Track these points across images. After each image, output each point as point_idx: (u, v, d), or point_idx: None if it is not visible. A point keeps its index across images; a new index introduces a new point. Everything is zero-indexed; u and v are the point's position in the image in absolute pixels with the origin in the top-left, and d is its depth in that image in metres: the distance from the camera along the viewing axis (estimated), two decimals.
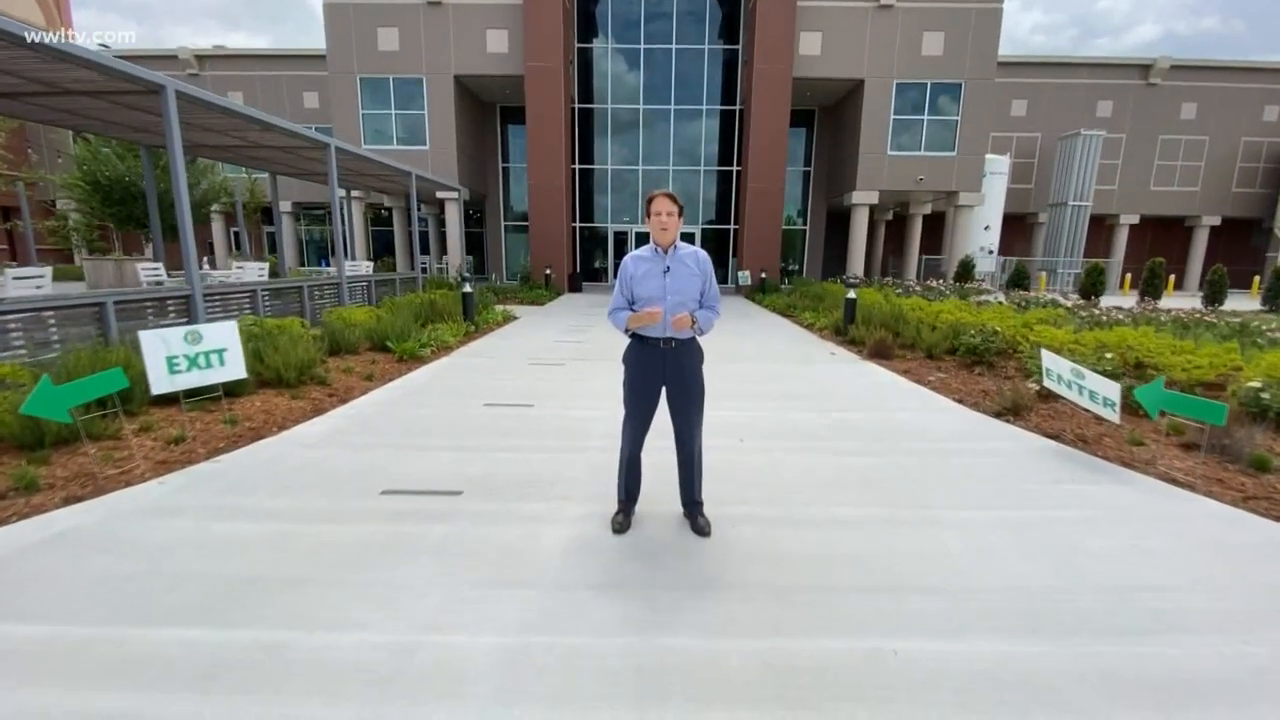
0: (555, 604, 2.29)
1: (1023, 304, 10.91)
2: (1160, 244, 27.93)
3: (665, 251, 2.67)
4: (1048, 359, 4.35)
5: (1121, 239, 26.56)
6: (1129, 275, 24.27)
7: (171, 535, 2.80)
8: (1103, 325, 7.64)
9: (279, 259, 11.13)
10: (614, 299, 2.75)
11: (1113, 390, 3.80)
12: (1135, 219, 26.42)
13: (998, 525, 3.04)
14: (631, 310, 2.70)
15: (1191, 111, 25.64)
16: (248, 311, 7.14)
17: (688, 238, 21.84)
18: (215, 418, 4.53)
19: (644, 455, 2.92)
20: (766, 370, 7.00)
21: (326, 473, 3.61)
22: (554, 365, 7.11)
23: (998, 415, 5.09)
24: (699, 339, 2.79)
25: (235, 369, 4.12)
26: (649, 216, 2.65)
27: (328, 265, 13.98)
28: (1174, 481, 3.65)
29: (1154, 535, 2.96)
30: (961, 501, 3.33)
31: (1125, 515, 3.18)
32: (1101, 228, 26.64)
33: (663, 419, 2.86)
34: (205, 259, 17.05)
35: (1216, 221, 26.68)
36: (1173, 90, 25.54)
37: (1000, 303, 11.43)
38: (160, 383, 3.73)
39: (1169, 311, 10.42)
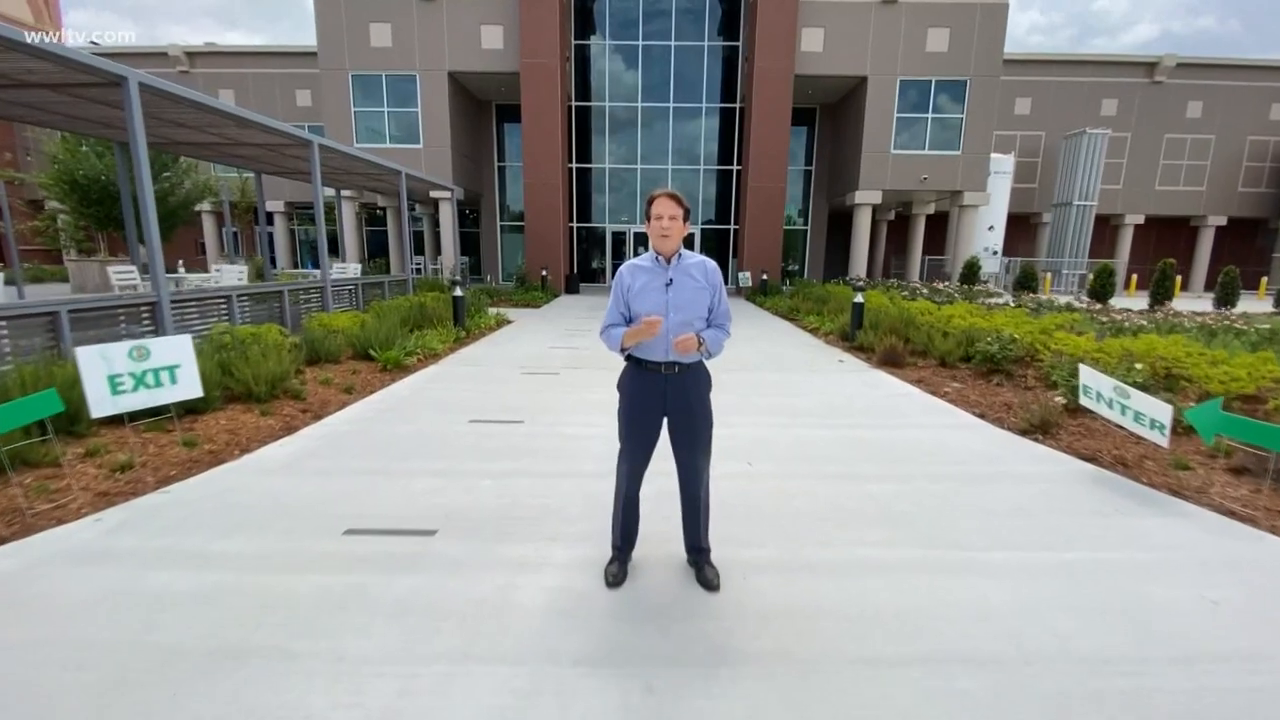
0: (534, 685, 1.91)
1: (1036, 308, 10.53)
2: (1165, 244, 27.60)
3: (667, 261, 2.28)
4: (1086, 375, 3.97)
5: (1126, 239, 26.22)
6: (1135, 276, 23.91)
7: (93, 589, 2.41)
8: (1125, 332, 7.26)
9: (264, 261, 10.73)
10: (608, 314, 2.36)
11: (1163, 413, 3.42)
12: (1140, 219, 26.09)
13: (1045, 570, 2.66)
14: (625, 326, 2.32)
15: (1197, 110, 25.30)
16: (223, 318, 6.74)
17: (688, 242, 21.43)
18: (173, 439, 4.13)
19: (642, 480, 2.53)
20: (771, 380, 6.62)
21: (287, 506, 3.22)
22: (547, 374, 6.72)
23: (1024, 433, 4.71)
24: (707, 363, 2.40)
25: (189, 387, 3.73)
26: (648, 220, 2.26)
27: (336, 264, 13.54)
28: (1232, 514, 3.27)
29: (1224, 584, 2.58)
30: (1000, 539, 2.95)
31: (1187, 557, 2.81)
32: (1105, 228, 26.30)
33: (664, 448, 2.48)
34: (181, 261, 16.54)
35: (1222, 221, 26.35)
36: (1178, 89, 25.20)
37: (1012, 306, 11.06)
38: (101, 404, 3.33)
39: (1192, 315, 10.06)
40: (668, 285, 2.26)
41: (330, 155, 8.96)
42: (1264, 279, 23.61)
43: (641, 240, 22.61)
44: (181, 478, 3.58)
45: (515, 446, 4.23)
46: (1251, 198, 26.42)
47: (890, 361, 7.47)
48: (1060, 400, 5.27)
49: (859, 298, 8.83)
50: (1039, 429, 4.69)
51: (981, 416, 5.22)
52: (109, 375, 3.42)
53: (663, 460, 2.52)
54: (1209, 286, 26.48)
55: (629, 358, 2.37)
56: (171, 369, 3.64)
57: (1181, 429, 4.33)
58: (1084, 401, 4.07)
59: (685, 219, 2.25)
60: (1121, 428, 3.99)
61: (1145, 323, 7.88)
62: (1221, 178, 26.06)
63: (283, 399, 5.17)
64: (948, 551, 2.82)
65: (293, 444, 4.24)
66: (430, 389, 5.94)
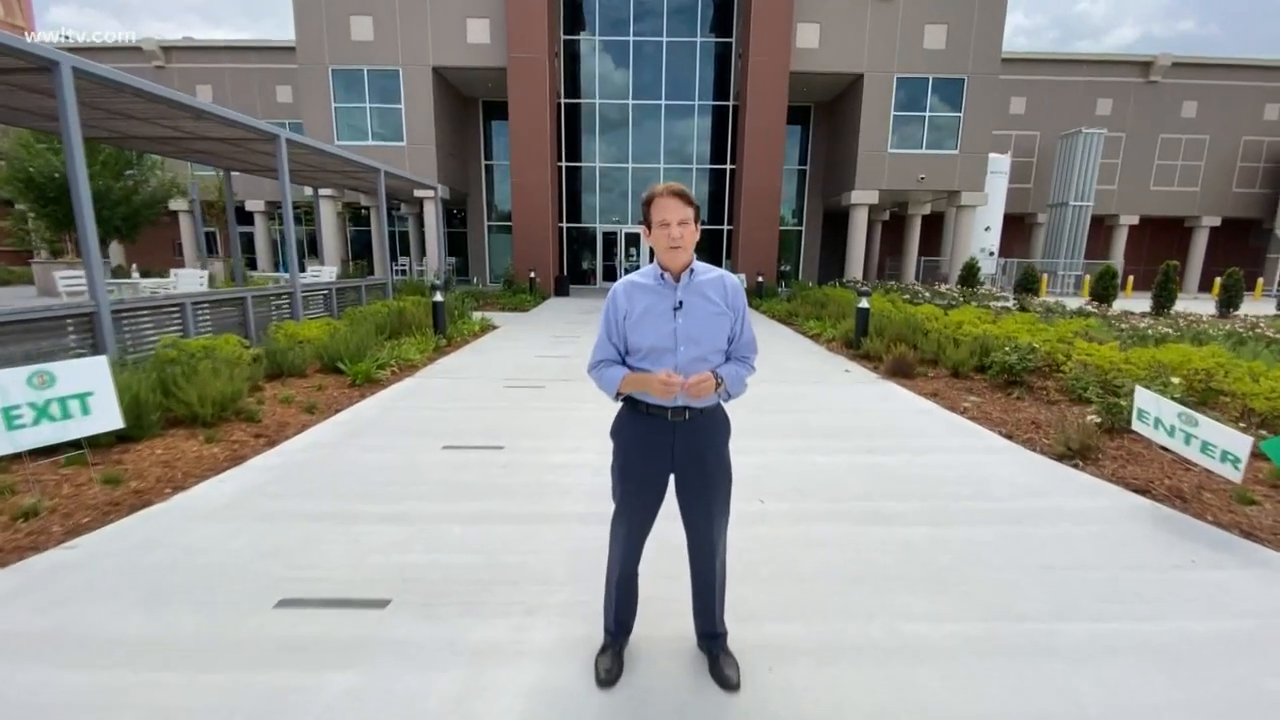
0: None
1: (1045, 312, 10.12)
2: (1159, 245, 27.50)
3: (676, 279, 1.77)
4: (1144, 399, 3.50)
5: (1121, 240, 26.07)
6: (1131, 277, 23.70)
7: None
8: (1148, 339, 6.85)
9: (235, 262, 10.10)
10: (597, 347, 1.85)
11: (1239, 445, 2.96)
12: (1135, 219, 25.93)
13: (1132, 649, 2.18)
14: (625, 366, 1.81)
15: (1192, 110, 25.17)
16: (175, 329, 6.14)
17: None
18: (100, 473, 3.57)
19: (641, 553, 2.02)
20: (777, 393, 6.13)
21: (213, 566, 2.68)
22: (533, 388, 6.20)
23: (1061, 458, 4.25)
24: (725, 404, 1.90)
25: (105, 418, 3.17)
26: (648, 228, 1.75)
27: (302, 268, 12.93)
28: None
29: None
30: (1068, 604, 2.47)
31: None
32: (1100, 228, 26.10)
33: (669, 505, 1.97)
34: (135, 265, 15.65)
35: (1216, 222, 26.25)
36: (1173, 88, 25.05)
37: (1021, 310, 10.66)
38: None
39: (1212, 320, 9.70)
40: (676, 310, 1.74)
41: (300, 151, 8.36)
42: (1259, 280, 23.49)
43: (633, 240, 22.10)
44: (96, 526, 3.03)
45: (492, 481, 3.71)
46: (1245, 198, 26.34)
47: (899, 372, 7.00)
48: (1094, 419, 4.82)
49: (864, 303, 8.37)
50: (1078, 454, 4.22)
51: (1009, 437, 4.75)
52: (3, 408, 2.86)
53: (666, 502, 2.01)
54: (1204, 288, 26.40)
55: (626, 400, 1.86)
56: (82, 397, 3.09)
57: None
58: (1138, 427, 3.61)
59: (697, 220, 1.74)
60: (1188, 461, 3.53)
61: (1169, 330, 7.48)
62: (1216, 178, 25.95)
63: (234, 422, 4.61)
64: (1010, 624, 2.34)
65: (236, 478, 3.69)
66: (402, 407, 5.40)
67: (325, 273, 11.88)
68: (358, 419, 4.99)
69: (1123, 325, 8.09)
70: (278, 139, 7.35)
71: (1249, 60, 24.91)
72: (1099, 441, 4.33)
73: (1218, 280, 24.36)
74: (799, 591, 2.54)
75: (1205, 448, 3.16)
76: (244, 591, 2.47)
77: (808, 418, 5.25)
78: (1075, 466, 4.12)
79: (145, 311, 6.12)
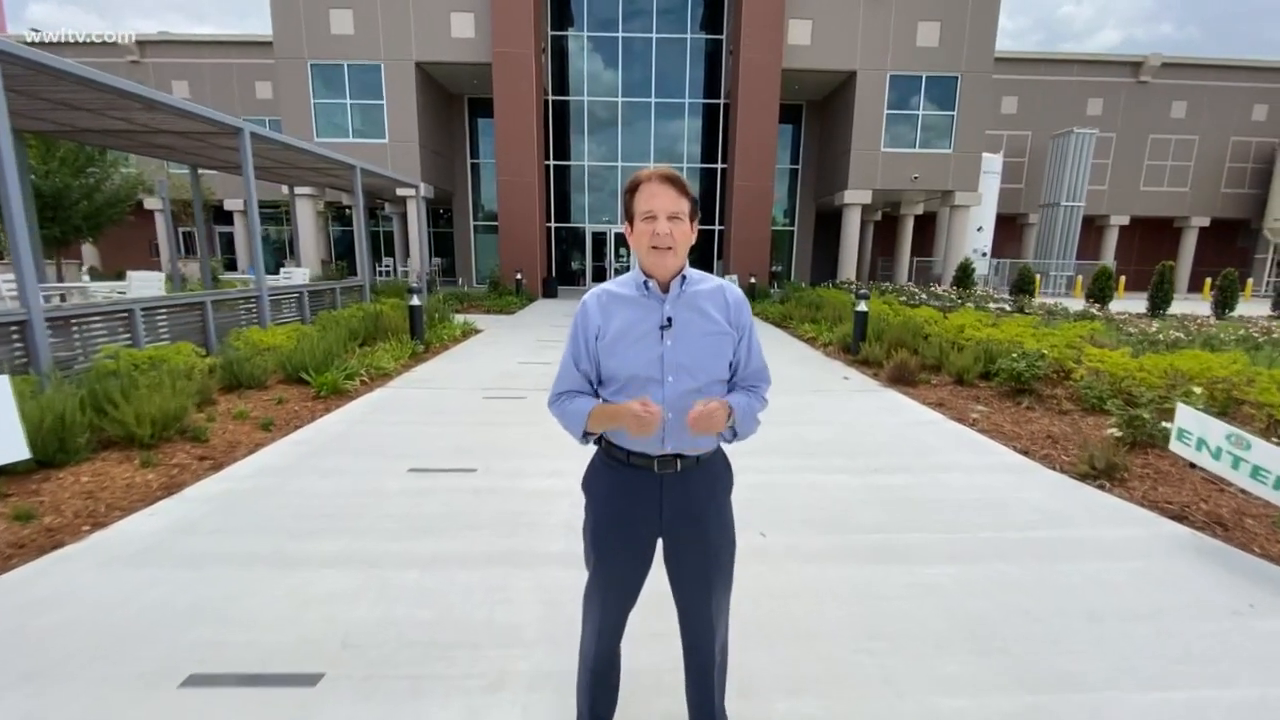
0: None
1: (1048, 315, 9.83)
2: (1149, 246, 27.52)
3: (664, 289, 1.39)
4: (1187, 418, 3.16)
5: (1111, 240, 26.03)
6: (1123, 278, 23.61)
7: None
8: (1159, 344, 6.55)
9: (204, 264, 9.58)
10: (560, 375, 1.46)
11: None
12: (1125, 220, 25.90)
13: None
14: (591, 396, 1.42)
15: (1181, 110, 25.18)
16: (122, 339, 5.67)
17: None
18: (10, 506, 3.13)
19: (621, 635, 1.63)
20: (773, 403, 5.71)
21: (117, 629, 2.25)
22: (513, 399, 5.79)
23: (1085, 478, 3.91)
24: (726, 446, 1.51)
25: (8, 447, 2.74)
26: (631, 222, 1.37)
27: (287, 268, 12.36)
28: None
29: None
30: (1122, 667, 2.11)
31: None
32: (1090, 229, 26.06)
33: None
34: (86, 267, 14.80)
35: (1205, 223, 26.29)
36: (1163, 88, 25.05)
37: (1018, 312, 10.38)
38: None
39: (1209, 321, 9.45)
40: (664, 329, 1.35)
41: (267, 146, 7.89)
42: (1249, 280, 23.48)
43: (624, 241, 21.70)
44: None
45: (460, 511, 3.30)
46: (1234, 199, 26.40)
47: (901, 379, 6.67)
48: (1114, 433, 4.50)
49: (862, 305, 8.03)
50: (1103, 474, 3.88)
51: (1025, 454, 4.41)
52: None
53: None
54: (1193, 288, 26.43)
55: (600, 443, 1.46)
56: None
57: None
58: (1178, 449, 3.27)
59: (694, 218, 1.35)
60: (1227, 483, 3.19)
61: (1179, 334, 7.19)
62: (1205, 179, 25.98)
63: (177, 442, 4.16)
64: (1064, 694, 1.97)
65: (168, 512, 3.25)
66: (369, 422, 4.96)
67: (298, 274, 11.36)
68: (318, 437, 4.56)
69: (1130, 329, 7.81)
70: (241, 132, 6.88)
71: (1238, 61, 24.96)
72: (1125, 460, 4.00)
73: (1208, 281, 24.39)
74: (810, 655, 2.16)
75: (1256, 472, 2.82)
76: (147, 664, 2.05)
77: (807, 431, 4.88)
78: (1101, 488, 3.78)
79: (96, 318, 5.65)
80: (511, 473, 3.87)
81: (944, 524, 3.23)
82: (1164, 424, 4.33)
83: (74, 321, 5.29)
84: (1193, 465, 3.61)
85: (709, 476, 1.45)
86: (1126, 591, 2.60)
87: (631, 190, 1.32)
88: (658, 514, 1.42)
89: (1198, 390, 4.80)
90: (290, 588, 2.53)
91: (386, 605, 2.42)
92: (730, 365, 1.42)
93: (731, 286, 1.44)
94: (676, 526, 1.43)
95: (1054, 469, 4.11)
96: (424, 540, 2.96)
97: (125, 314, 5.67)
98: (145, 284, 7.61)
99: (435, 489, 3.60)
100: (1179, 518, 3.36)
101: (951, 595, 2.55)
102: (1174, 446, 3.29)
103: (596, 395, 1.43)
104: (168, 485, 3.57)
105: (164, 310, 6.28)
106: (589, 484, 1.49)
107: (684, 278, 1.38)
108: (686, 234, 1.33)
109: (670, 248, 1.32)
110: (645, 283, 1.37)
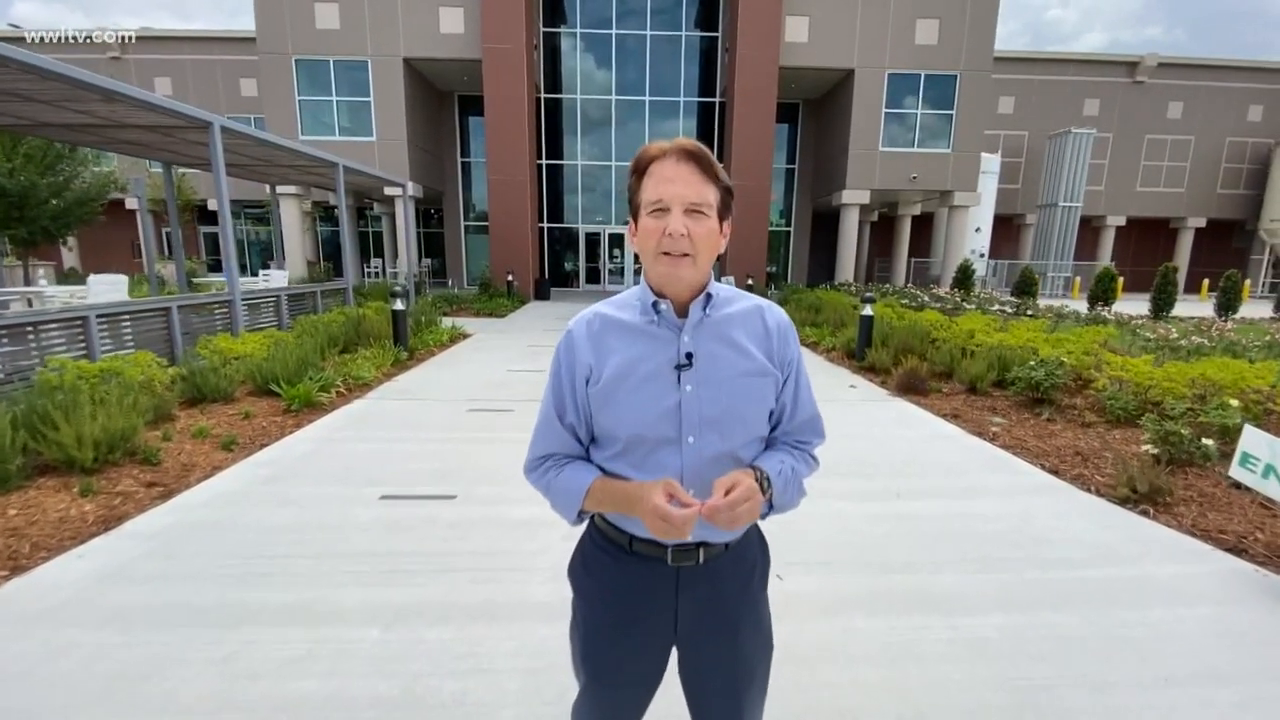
0: None
1: (1057, 318, 9.53)
2: (1145, 246, 27.42)
3: (680, 312, 1.01)
4: (1254, 441, 2.82)
5: (1108, 241, 25.90)
6: (1121, 279, 23.46)
7: None
8: (1180, 351, 6.24)
9: (176, 266, 9.16)
10: (539, 429, 1.08)
11: None
12: (1121, 220, 25.77)
13: None
14: (588, 463, 1.05)
15: (1178, 111, 25.07)
16: (78, 349, 5.24)
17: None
18: None
19: None
20: None
21: (11, 710, 1.86)
22: (500, 412, 5.41)
23: (1124, 502, 3.57)
24: (762, 523, 1.14)
25: None
26: (635, 216, 0.99)
27: (266, 270, 11.93)
28: None
29: None
30: None
31: None
32: (1087, 229, 25.90)
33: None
34: (42, 270, 14.04)
35: (1201, 223, 26.21)
36: (1159, 89, 24.94)
37: (1024, 315, 10.09)
38: None
39: (1209, 323, 9.18)
40: (680, 369, 0.98)
41: (240, 142, 7.46)
42: (1246, 281, 23.37)
43: (618, 242, 21.31)
44: None
45: (434, 550, 2.92)
46: (1230, 199, 26.33)
47: (911, 388, 6.33)
48: (1149, 449, 4.16)
49: (867, 309, 7.69)
50: (1145, 498, 3.54)
51: (1055, 473, 4.07)
52: None
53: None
54: (1190, 289, 26.31)
55: (594, 521, 1.09)
56: None
57: None
58: (1240, 475, 2.93)
59: (726, 213, 0.98)
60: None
61: (1202, 340, 6.88)
62: (1201, 179, 25.90)
63: (124, 465, 3.75)
64: None
65: (101, 551, 2.85)
66: (340, 440, 4.56)
67: (276, 277, 10.91)
68: (284, 458, 4.15)
69: (1147, 334, 7.49)
70: (211, 127, 6.45)
71: (1234, 61, 24.88)
72: (1166, 482, 3.66)
73: (1205, 282, 24.31)
74: None
75: None
76: None
77: (823, 447, 4.51)
78: (1145, 514, 3.44)
79: (52, 326, 5.22)
80: (495, 499, 3.48)
81: (981, 561, 2.87)
82: (1204, 440, 4.01)
83: (26, 330, 4.86)
84: (1237, 485, 3.29)
85: (742, 567, 1.07)
86: (1201, 649, 2.25)
87: (639, 170, 0.94)
88: (671, 621, 1.04)
89: (1235, 403, 4.49)
90: (227, 653, 2.14)
91: (339, 676, 2.03)
92: (775, 414, 1.05)
93: (773, 307, 1.08)
94: (698, 636, 1.06)
95: (1089, 490, 3.77)
96: (390, 588, 2.57)
97: (79, 321, 5.24)
98: (107, 288, 7.18)
99: (409, 520, 3.22)
100: (1236, 550, 3.02)
101: (1002, 655, 2.19)
102: (1235, 472, 2.95)
103: (585, 456, 1.06)
104: (106, 519, 3.16)
105: (126, 317, 5.85)
106: (576, 576, 1.12)
107: (708, 296, 1.01)
108: (713, 235, 0.96)
109: (687, 254, 0.94)
110: (655, 304, 0.99)
